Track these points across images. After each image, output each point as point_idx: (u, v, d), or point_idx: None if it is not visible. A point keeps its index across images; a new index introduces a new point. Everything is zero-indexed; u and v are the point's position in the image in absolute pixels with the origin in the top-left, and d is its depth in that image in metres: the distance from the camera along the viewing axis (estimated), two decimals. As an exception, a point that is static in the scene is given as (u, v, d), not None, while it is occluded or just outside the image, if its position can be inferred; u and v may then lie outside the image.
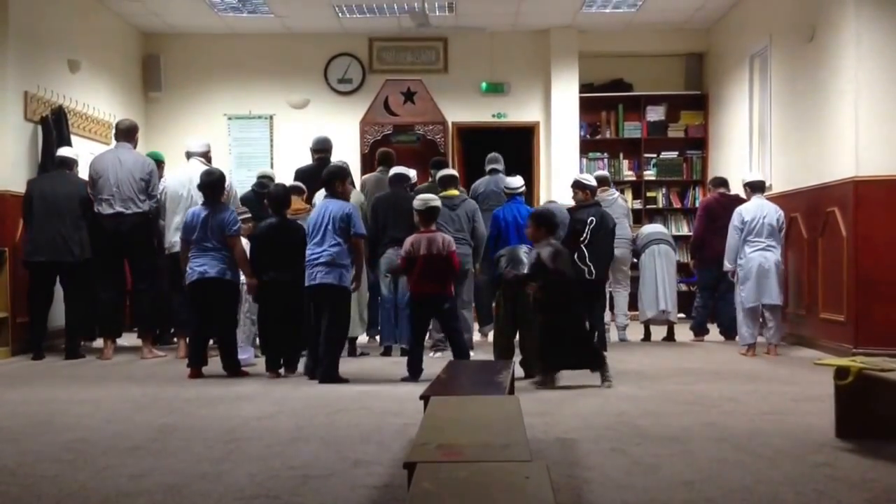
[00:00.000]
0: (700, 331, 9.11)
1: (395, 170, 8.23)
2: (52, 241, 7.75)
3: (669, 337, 9.09)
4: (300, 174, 8.50)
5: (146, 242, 8.03)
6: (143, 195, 7.87)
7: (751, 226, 7.92)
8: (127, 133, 8.14)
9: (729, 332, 8.96)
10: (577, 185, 7.98)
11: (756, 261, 7.88)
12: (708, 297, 9.13)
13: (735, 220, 8.04)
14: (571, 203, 8.20)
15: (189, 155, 8.05)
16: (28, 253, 7.85)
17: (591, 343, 6.59)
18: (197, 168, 7.73)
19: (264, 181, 8.47)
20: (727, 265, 8.18)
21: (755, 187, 8.19)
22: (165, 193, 7.89)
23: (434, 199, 6.75)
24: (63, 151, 8.16)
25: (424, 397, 4.05)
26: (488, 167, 8.88)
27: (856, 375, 4.40)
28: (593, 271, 7.59)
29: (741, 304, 8.06)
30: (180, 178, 7.93)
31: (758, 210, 7.98)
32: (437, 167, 8.60)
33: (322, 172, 7.73)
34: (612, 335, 8.68)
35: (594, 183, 8.19)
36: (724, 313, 9.05)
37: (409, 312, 6.99)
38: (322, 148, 8.78)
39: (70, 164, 8.10)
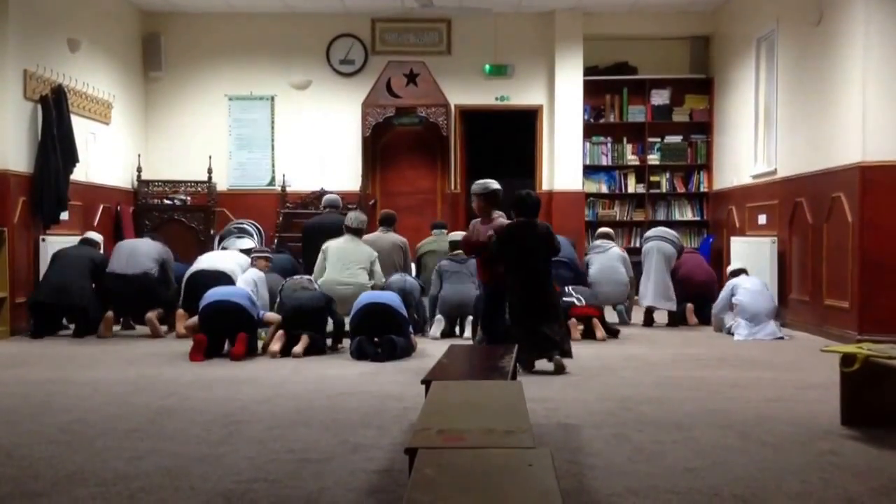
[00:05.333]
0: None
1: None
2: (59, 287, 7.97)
3: (672, 323, 9.07)
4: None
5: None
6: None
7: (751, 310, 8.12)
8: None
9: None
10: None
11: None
12: None
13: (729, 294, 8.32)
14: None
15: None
16: (33, 296, 8.10)
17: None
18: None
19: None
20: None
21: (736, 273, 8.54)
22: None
23: (493, 182, 6.77)
24: (90, 235, 8.71)
25: (425, 382, 4.00)
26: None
27: (862, 362, 4.35)
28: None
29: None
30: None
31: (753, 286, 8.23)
32: (388, 223, 8.82)
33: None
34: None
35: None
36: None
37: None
38: (331, 205, 9.51)
39: (94, 243, 8.57)
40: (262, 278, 7.96)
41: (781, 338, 7.96)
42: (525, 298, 6.21)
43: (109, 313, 8.11)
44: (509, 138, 12.64)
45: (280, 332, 7.01)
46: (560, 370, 6.10)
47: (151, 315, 8.09)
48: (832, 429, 4.44)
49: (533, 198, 6.43)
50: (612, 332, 8.16)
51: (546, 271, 6.30)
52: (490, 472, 2.46)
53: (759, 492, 3.41)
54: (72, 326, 8.22)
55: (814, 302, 8.29)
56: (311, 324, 7.03)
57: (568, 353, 6.24)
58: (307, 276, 8.00)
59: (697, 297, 9.07)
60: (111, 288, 8.13)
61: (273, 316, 7.22)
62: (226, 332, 6.91)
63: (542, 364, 6.21)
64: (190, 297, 7.93)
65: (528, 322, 6.15)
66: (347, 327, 7.17)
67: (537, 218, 6.43)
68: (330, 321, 7.22)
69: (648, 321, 9.08)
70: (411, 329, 7.23)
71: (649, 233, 9.53)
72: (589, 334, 7.99)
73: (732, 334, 8.11)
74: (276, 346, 6.91)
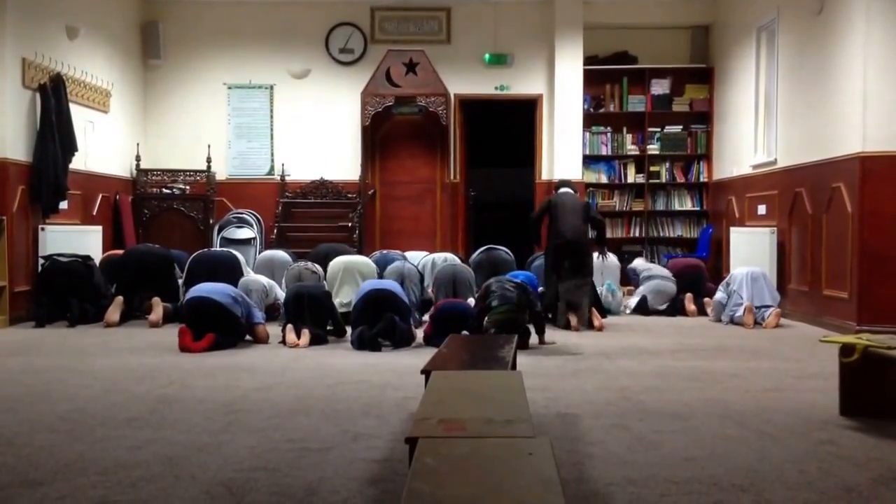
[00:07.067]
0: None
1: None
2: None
3: (670, 312, 9.09)
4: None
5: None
6: None
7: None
8: None
9: None
10: None
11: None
12: None
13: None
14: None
15: None
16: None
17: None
18: None
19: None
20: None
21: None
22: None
23: None
24: None
25: (425, 371, 4.00)
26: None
27: (861, 353, 4.36)
28: None
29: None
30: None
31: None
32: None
33: None
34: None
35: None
36: None
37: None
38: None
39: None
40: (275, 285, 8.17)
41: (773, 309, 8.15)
42: (563, 256, 6.90)
43: (119, 297, 8.13)
44: (509, 128, 12.63)
45: (289, 326, 7.01)
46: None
47: (159, 300, 8.11)
48: (830, 419, 4.45)
49: (571, 181, 7.53)
50: (602, 312, 8.22)
51: (583, 230, 6.98)
52: (490, 461, 2.46)
53: (757, 481, 3.42)
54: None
55: (813, 292, 8.30)
56: (309, 310, 7.03)
57: (601, 310, 7.03)
58: (309, 263, 8.06)
59: (689, 283, 9.20)
60: (129, 260, 8.49)
61: (262, 331, 7.15)
62: (207, 329, 6.75)
63: (561, 337, 6.22)
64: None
65: (565, 281, 6.85)
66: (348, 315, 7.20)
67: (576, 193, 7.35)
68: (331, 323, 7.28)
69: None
70: (413, 320, 7.23)
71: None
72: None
73: (735, 322, 8.24)
74: (291, 336, 6.92)
